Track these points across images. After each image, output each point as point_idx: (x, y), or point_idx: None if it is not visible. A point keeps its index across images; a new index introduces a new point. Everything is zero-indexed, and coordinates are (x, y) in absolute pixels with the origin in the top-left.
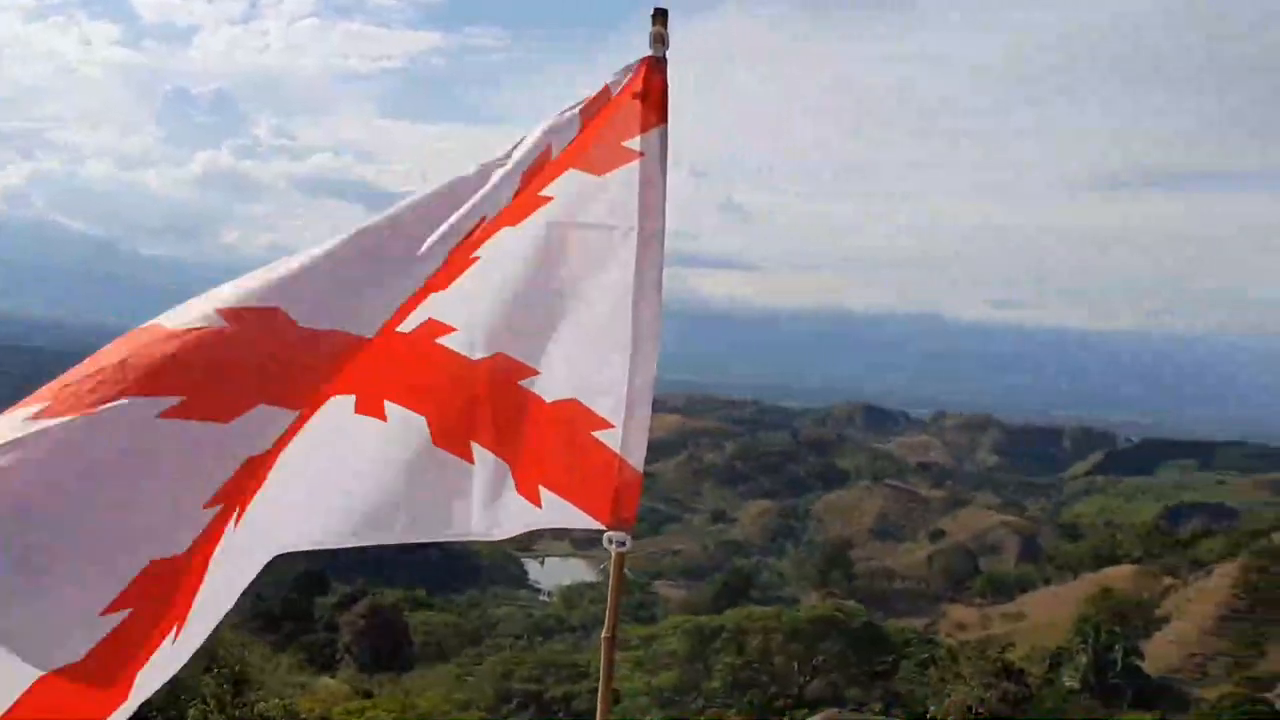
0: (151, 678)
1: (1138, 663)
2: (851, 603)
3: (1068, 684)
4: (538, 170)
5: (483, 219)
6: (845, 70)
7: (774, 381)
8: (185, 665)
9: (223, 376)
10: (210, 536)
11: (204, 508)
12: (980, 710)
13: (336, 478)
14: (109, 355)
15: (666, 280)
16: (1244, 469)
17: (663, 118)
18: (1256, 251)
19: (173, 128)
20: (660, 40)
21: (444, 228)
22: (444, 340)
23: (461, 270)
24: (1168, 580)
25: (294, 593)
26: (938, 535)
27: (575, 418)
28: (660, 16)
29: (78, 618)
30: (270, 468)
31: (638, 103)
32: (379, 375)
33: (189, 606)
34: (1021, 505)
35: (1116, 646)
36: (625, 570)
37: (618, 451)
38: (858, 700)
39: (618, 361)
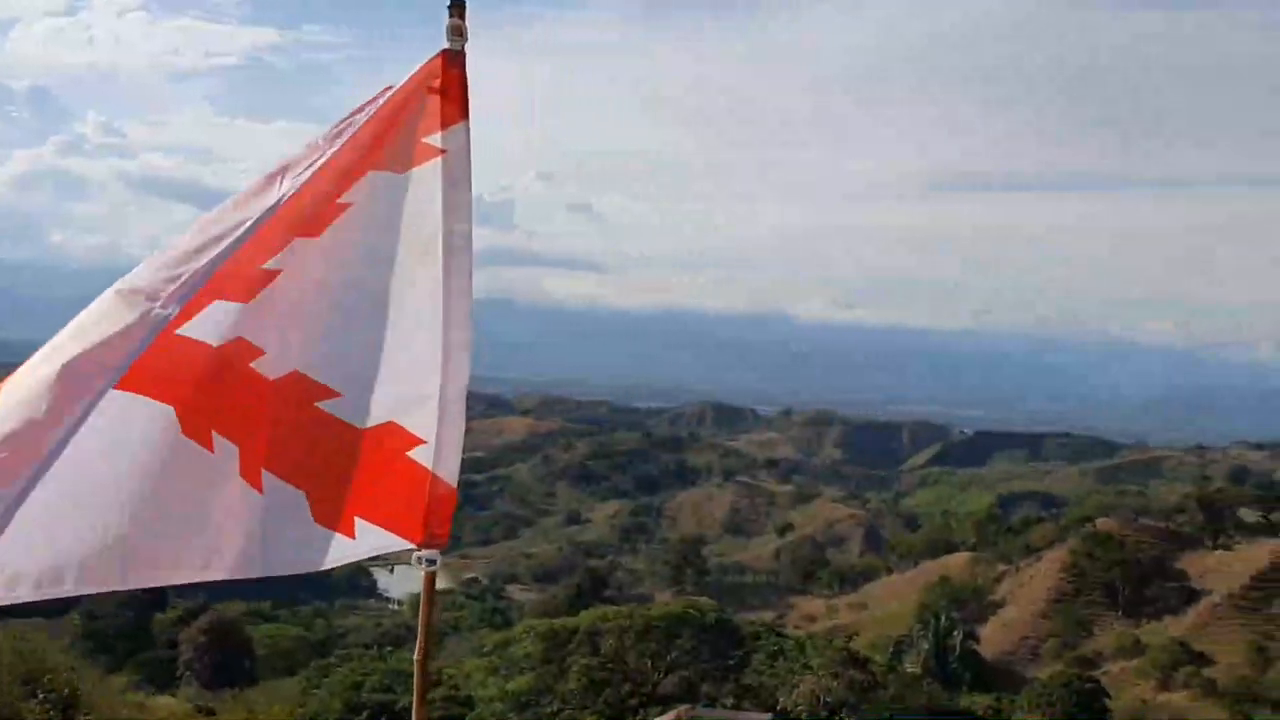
0: None
1: (975, 647)
2: (704, 599)
3: (910, 670)
4: (330, 175)
5: (261, 217)
6: (694, 71)
7: (626, 382)
8: (5, 693)
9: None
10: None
11: None
12: (827, 699)
13: (165, 506)
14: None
15: (516, 282)
16: (1069, 459)
17: (465, 113)
18: (1078, 253)
19: None
20: (458, 33)
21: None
22: (256, 365)
23: (263, 284)
24: (1001, 566)
25: (129, 610)
26: (786, 529)
27: (390, 441)
28: (457, 8)
29: None
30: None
31: (437, 98)
32: (205, 400)
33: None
34: (864, 498)
35: (955, 632)
36: (433, 584)
37: (430, 468)
38: (710, 696)
39: (428, 374)
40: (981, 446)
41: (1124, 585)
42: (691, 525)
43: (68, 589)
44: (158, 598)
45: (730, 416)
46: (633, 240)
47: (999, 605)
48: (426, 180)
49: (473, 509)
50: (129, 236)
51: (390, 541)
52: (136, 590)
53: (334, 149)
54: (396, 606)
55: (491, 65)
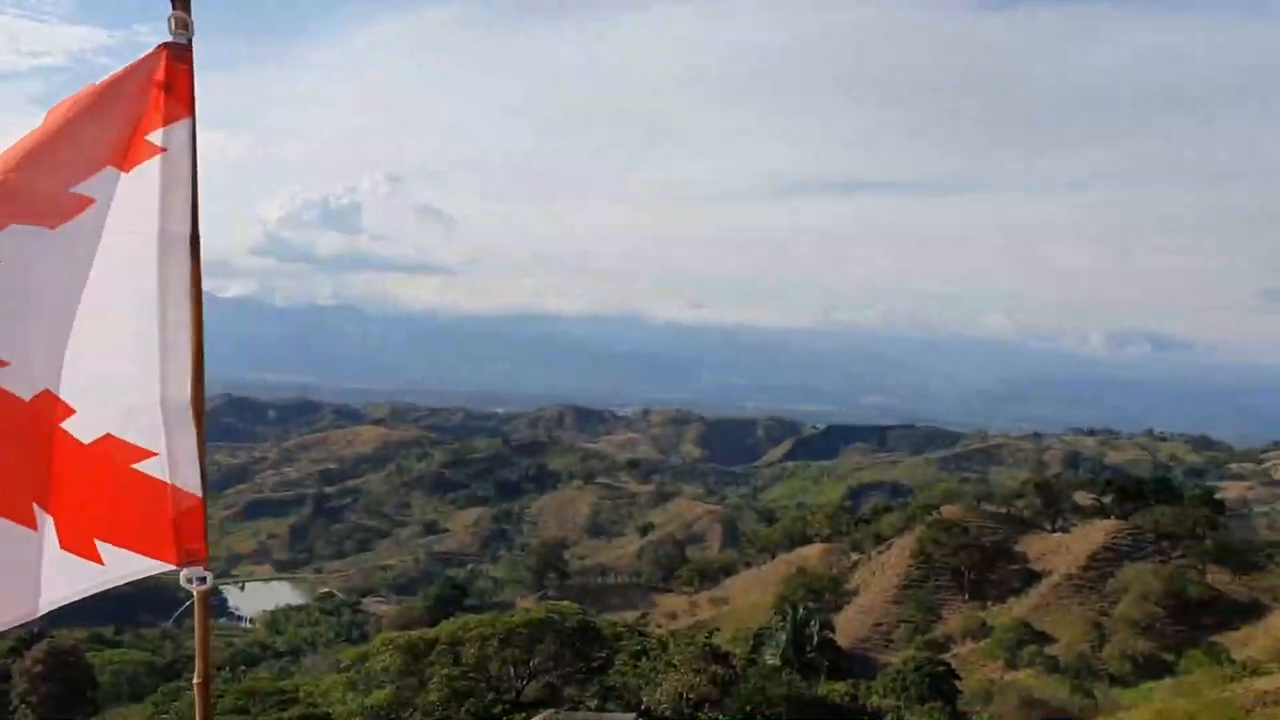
0: None
1: (831, 636)
2: (566, 602)
3: (770, 662)
4: (59, 162)
5: None
6: (547, 72)
7: (481, 387)
8: None
9: None
10: None
11: None
12: (690, 696)
13: None
14: None
15: (362, 285)
16: (914, 449)
17: (189, 110)
18: (921, 251)
19: None
20: (182, 25)
21: None
22: (11, 387)
23: None
24: (854, 556)
25: None
26: (647, 529)
27: (113, 454)
28: (182, 1)
29: None
30: None
31: (161, 94)
32: None
33: None
34: (723, 494)
35: (812, 622)
36: (206, 603)
37: (166, 480)
38: (574, 699)
39: (145, 383)
40: (832, 440)
41: (969, 569)
42: (554, 529)
43: None
44: None
45: (589, 418)
46: (483, 243)
47: (853, 594)
48: (144, 180)
49: (325, 522)
50: None
51: (144, 565)
52: None
53: (51, 129)
54: (249, 625)
55: (334, 62)
